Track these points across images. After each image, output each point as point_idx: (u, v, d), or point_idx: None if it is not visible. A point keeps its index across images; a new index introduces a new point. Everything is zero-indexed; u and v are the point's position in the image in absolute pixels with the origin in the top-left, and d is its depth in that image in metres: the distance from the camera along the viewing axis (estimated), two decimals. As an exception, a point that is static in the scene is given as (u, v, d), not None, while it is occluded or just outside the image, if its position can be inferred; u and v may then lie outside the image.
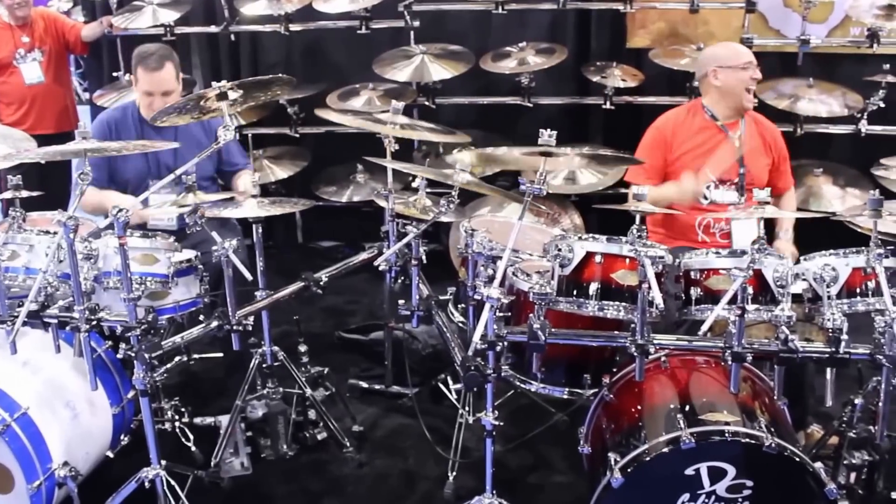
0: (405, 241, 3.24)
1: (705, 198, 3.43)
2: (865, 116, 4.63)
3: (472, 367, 2.52)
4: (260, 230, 3.20)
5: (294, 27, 5.23)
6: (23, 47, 5.26)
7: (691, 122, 3.64)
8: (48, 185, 3.81)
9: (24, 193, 3.04)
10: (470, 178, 3.11)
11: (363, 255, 3.73)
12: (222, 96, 3.07)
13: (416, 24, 5.12)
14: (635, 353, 2.56)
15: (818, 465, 2.40)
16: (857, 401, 2.79)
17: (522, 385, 2.96)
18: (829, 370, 2.55)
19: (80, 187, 2.74)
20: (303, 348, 3.59)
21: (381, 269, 3.50)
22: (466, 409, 3.40)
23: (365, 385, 3.95)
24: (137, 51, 3.83)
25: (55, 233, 2.97)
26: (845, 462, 2.74)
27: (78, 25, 5.51)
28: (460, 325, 3.32)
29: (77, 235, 2.71)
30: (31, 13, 5.29)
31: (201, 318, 3.07)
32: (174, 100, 3.74)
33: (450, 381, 3.76)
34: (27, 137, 3.74)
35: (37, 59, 5.28)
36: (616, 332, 2.67)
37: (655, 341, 2.57)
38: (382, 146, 3.37)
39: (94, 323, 2.76)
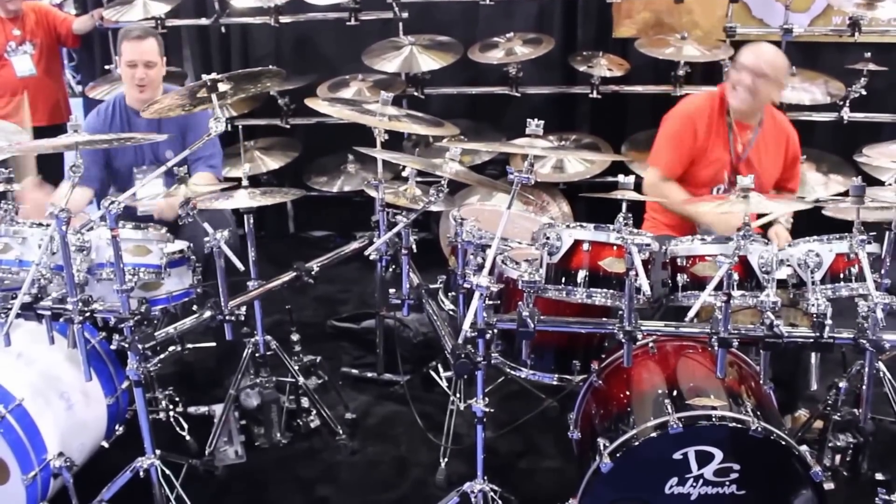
0: (395, 230, 3.21)
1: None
2: (847, 104, 4.64)
3: (463, 355, 2.51)
4: (251, 221, 3.18)
5: (284, 19, 5.20)
6: (14, 40, 5.19)
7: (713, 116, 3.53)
8: (41, 178, 3.79)
9: (17, 186, 3.01)
10: (459, 168, 3.08)
11: (354, 245, 3.72)
12: (213, 88, 3.04)
13: (405, 15, 5.10)
14: (623, 340, 2.55)
15: (803, 448, 2.40)
16: (841, 384, 2.80)
17: (512, 372, 2.94)
18: (813, 355, 2.55)
19: (71, 180, 2.71)
20: (295, 337, 3.58)
21: (371, 258, 3.47)
22: (457, 396, 3.39)
23: (357, 373, 3.94)
24: (123, 28, 3.83)
25: (48, 225, 2.94)
26: (830, 444, 2.75)
27: (69, 18, 5.45)
28: (450, 313, 3.31)
29: (69, 227, 2.69)
30: (22, 6, 5.23)
31: (194, 308, 3.05)
32: (157, 75, 3.76)
33: (441, 369, 3.74)
34: (19, 130, 3.71)
35: (28, 51, 5.22)
36: (604, 319, 2.66)
37: (643, 327, 2.55)
38: (372, 136, 3.35)
39: (88, 314, 2.74)
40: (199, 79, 3.05)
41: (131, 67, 3.72)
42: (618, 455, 2.41)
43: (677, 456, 2.39)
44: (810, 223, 3.03)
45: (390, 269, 3.56)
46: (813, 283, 2.60)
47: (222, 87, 3.07)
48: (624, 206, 2.58)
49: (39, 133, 3.88)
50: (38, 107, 5.22)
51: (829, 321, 2.46)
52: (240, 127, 5.35)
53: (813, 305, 2.47)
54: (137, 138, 3.24)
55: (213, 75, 3.04)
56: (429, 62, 4.92)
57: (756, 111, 3.51)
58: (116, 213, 2.63)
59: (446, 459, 3.21)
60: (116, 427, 3.19)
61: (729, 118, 3.51)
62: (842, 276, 2.62)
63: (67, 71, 6.24)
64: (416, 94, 5.17)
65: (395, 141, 4.73)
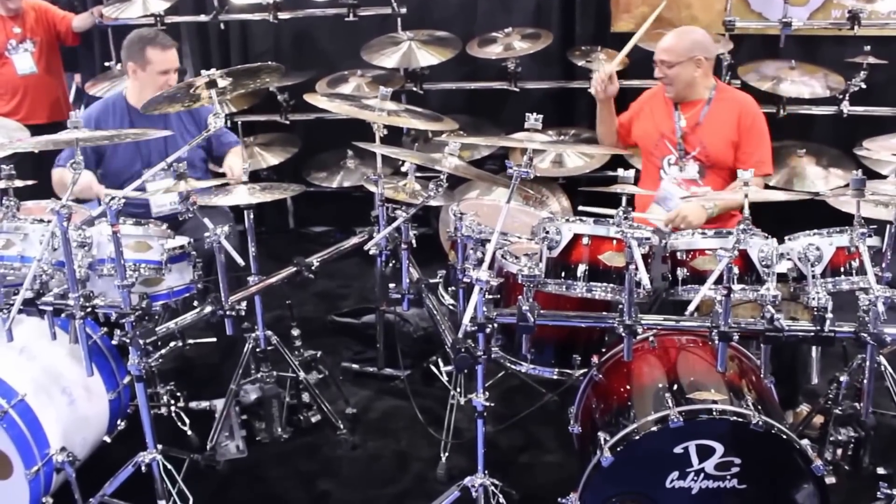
0: (395, 225, 3.20)
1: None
2: (847, 97, 4.59)
3: (463, 349, 2.49)
4: (252, 216, 3.17)
5: (283, 15, 5.18)
6: (14, 38, 5.17)
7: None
8: (42, 175, 3.76)
9: (18, 183, 3.01)
10: (458, 163, 3.07)
11: (354, 240, 3.70)
12: (212, 84, 3.04)
13: (403, 10, 5.07)
14: (623, 334, 2.53)
15: (805, 442, 2.38)
16: (842, 378, 2.77)
17: (512, 366, 2.93)
18: (814, 349, 2.53)
19: (72, 176, 2.70)
20: (296, 332, 3.57)
21: (371, 253, 3.45)
22: (458, 390, 3.38)
23: (357, 368, 3.92)
24: (137, 35, 3.79)
25: (49, 221, 2.93)
26: (831, 439, 2.73)
27: (69, 16, 5.43)
28: (450, 307, 3.29)
29: (71, 223, 2.69)
30: (22, 4, 5.21)
31: (195, 303, 3.04)
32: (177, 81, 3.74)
33: (441, 363, 3.73)
34: (20, 127, 3.71)
35: (28, 49, 5.20)
36: (604, 313, 2.65)
37: (643, 321, 2.54)
38: (372, 132, 3.33)
39: (89, 310, 2.73)
40: (199, 75, 3.04)
41: (164, 75, 3.72)
42: (618, 449, 2.39)
43: (678, 450, 2.37)
44: (811, 216, 3.00)
45: (390, 264, 3.55)
46: (813, 276, 2.58)
47: (221, 82, 3.07)
48: (624, 199, 2.57)
49: (39, 131, 3.85)
50: (39, 105, 5.22)
51: (829, 315, 2.44)
52: (239, 123, 5.37)
53: (813, 299, 2.45)
54: (151, 134, 3.19)
55: (212, 71, 3.04)
56: (427, 57, 4.89)
57: (686, 94, 3.65)
58: (117, 209, 2.62)
59: (447, 454, 3.20)
60: (118, 422, 3.18)
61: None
62: (842, 269, 2.61)
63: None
64: (414, 89, 5.15)
65: (395, 136, 4.71)
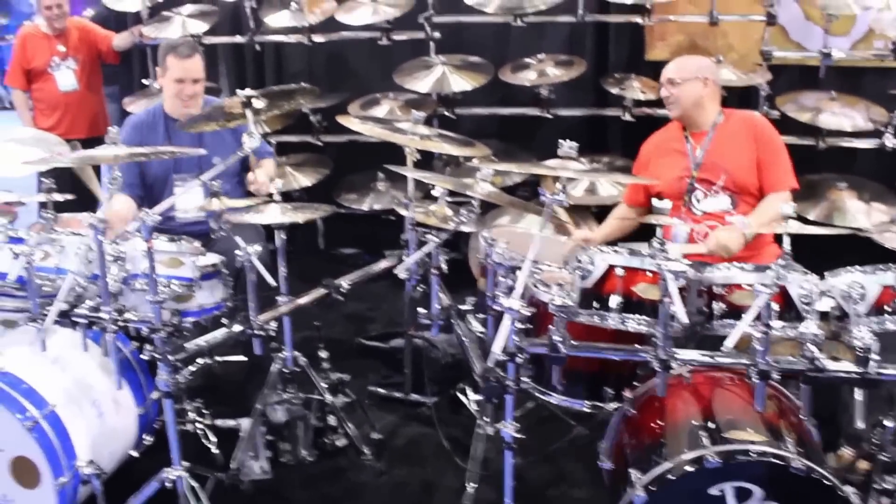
0: (425, 249, 3.16)
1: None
2: (890, 130, 4.45)
3: (492, 378, 2.43)
4: (283, 236, 3.14)
5: (317, 38, 5.21)
6: (58, 55, 5.28)
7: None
8: (80, 188, 3.77)
9: (57, 197, 3.02)
10: (490, 189, 3.02)
11: (384, 263, 3.65)
12: (247, 104, 3.03)
13: (437, 35, 5.06)
14: (657, 368, 2.45)
15: (848, 488, 2.24)
16: (888, 423, 2.63)
17: (542, 396, 2.85)
18: (858, 391, 2.42)
19: (110, 191, 2.70)
20: (323, 354, 3.52)
21: (401, 277, 3.41)
22: (486, 419, 3.29)
23: (384, 392, 3.86)
24: (165, 43, 3.83)
25: (85, 235, 2.93)
26: (877, 487, 2.59)
27: (110, 35, 5.51)
28: (480, 335, 3.23)
29: (106, 238, 2.70)
30: (67, 24, 5.31)
31: (224, 321, 3.01)
32: (201, 90, 3.76)
33: (469, 391, 3.66)
34: (60, 142, 3.74)
35: (71, 67, 5.30)
36: (638, 346, 2.56)
37: (678, 356, 2.46)
38: (403, 155, 3.29)
39: (121, 324, 2.73)
40: (234, 94, 3.03)
41: (179, 83, 3.72)
42: (652, 488, 2.29)
43: (714, 491, 2.26)
44: (850, 251, 2.91)
45: (419, 289, 3.50)
46: (857, 315, 2.47)
47: (257, 103, 3.06)
48: (659, 230, 2.50)
49: (81, 145, 3.90)
50: (79, 120, 5.33)
51: (874, 356, 2.34)
52: (273, 143, 5.35)
53: (857, 339, 2.35)
54: (187, 152, 3.19)
55: (248, 91, 3.03)
56: (460, 82, 4.87)
57: (694, 116, 3.57)
58: (152, 225, 2.59)
59: (473, 484, 3.11)
60: (145, 436, 3.15)
61: (686, 132, 3.60)
62: (889, 308, 2.49)
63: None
64: (447, 113, 5.13)
65: (426, 160, 4.67)
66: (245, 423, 3.28)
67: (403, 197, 3.46)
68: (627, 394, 2.67)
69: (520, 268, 2.56)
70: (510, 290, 2.57)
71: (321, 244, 5.93)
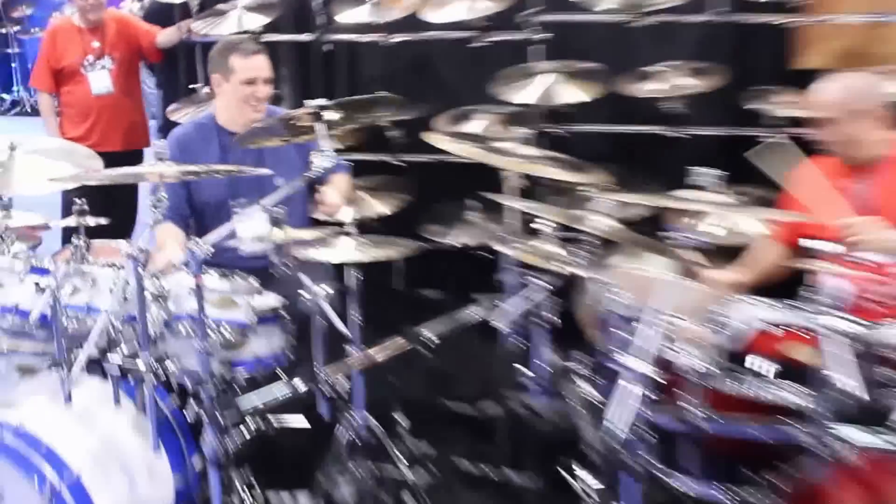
0: (527, 295, 3.18)
1: None
2: None
3: (609, 455, 2.42)
4: (358, 276, 3.19)
5: (398, 38, 5.27)
6: (92, 53, 5.45)
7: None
8: (113, 210, 3.89)
9: (90, 221, 3.11)
10: (607, 223, 3.04)
11: (475, 310, 3.68)
12: (318, 116, 3.11)
13: (543, 36, 5.10)
14: (818, 453, 2.42)
15: None
16: None
17: (669, 479, 2.82)
18: None
19: (153, 216, 2.78)
20: (400, 418, 3.55)
21: (496, 327, 3.44)
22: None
23: (473, 467, 3.87)
24: (221, 43, 3.98)
25: (122, 267, 3.01)
26: None
27: (154, 30, 5.67)
28: (591, 400, 3.22)
29: (147, 271, 2.78)
30: (103, 15, 5.48)
31: (283, 376, 3.06)
32: (268, 94, 3.88)
33: (577, 470, 3.63)
34: (92, 155, 3.84)
35: (106, 66, 5.47)
36: (793, 423, 2.53)
37: (844, 437, 2.41)
38: (500, 180, 3.33)
39: (161, 374, 2.81)
40: (298, 103, 3.10)
41: (250, 85, 3.83)
42: None
43: None
44: None
45: (518, 343, 3.51)
46: None
47: (329, 115, 3.12)
48: (811, 278, 2.48)
49: (113, 160, 3.98)
50: (113, 129, 5.49)
51: None
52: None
53: None
54: (248, 172, 3.35)
55: (320, 101, 3.10)
56: (570, 93, 4.88)
57: (857, 149, 3.50)
58: (203, 258, 2.67)
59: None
60: (183, 512, 3.20)
61: (847, 164, 3.55)
62: None
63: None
64: (554, 131, 5.16)
65: (529, 187, 4.70)
66: (304, 500, 3.33)
67: (500, 230, 3.49)
68: (778, 481, 2.63)
69: (645, 320, 2.56)
70: (631, 347, 2.57)
71: (399, 284, 5.97)
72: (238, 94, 3.86)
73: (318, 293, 2.92)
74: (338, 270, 3.35)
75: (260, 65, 3.85)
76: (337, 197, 3.71)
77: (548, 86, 4.91)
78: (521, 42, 5.15)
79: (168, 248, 3.45)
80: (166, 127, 5.61)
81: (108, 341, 2.93)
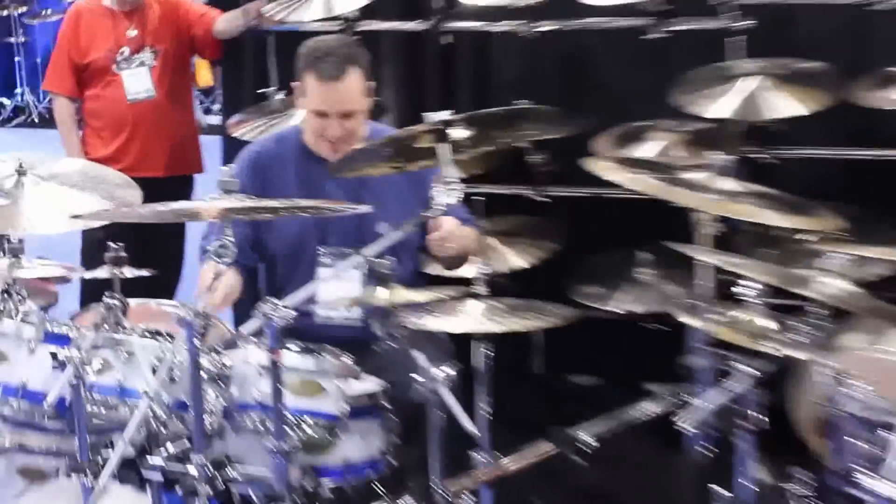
0: (723, 385, 3.16)
1: None
2: None
3: None
4: (488, 354, 3.20)
5: (544, 26, 5.30)
6: (128, 45, 5.55)
7: None
8: (153, 257, 3.97)
9: (128, 272, 3.19)
10: (843, 288, 3.01)
11: (648, 406, 3.67)
12: (441, 135, 3.13)
13: (745, 25, 5.09)
14: None
15: None
16: None
17: None
18: None
19: (213, 266, 2.83)
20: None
21: (679, 430, 3.42)
22: None
23: None
24: (308, 47, 4.00)
25: (169, 336, 3.08)
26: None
27: (211, 14, 5.74)
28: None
29: (204, 341, 2.83)
30: (143, -4, 5.55)
31: (383, 489, 3.09)
32: (357, 125, 3.91)
33: None
34: (128, 182, 3.90)
35: (147, 62, 5.57)
36: None
37: None
38: (686, 225, 3.32)
39: (219, 484, 2.86)
40: (406, 115, 3.14)
41: (320, 118, 3.89)
42: None
43: None
44: None
45: (711, 453, 3.49)
46: None
47: (456, 133, 3.16)
48: None
49: (154, 189, 4.01)
50: (155, 148, 5.58)
51: None
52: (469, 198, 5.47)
53: None
54: (340, 210, 3.37)
55: (445, 114, 3.12)
56: (782, 104, 4.86)
57: None
58: (282, 325, 2.70)
59: None
60: None
61: None
62: None
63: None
64: (761, 156, 5.14)
65: (727, 234, 4.67)
66: None
67: (686, 295, 3.49)
68: None
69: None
70: (881, 465, 2.54)
71: (539, 365, 5.96)
72: (310, 123, 3.98)
73: (435, 376, 2.92)
74: (461, 346, 3.37)
75: (336, 97, 3.87)
76: (460, 245, 3.74)
77: (752, 93, 4.89)
78: (716, 33, 5.14)
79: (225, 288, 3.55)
80: (227, 146, 5.75)
81: (148, 437, 2.98)
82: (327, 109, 3.88)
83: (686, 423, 3.38)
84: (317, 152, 3.99)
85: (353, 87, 3.90)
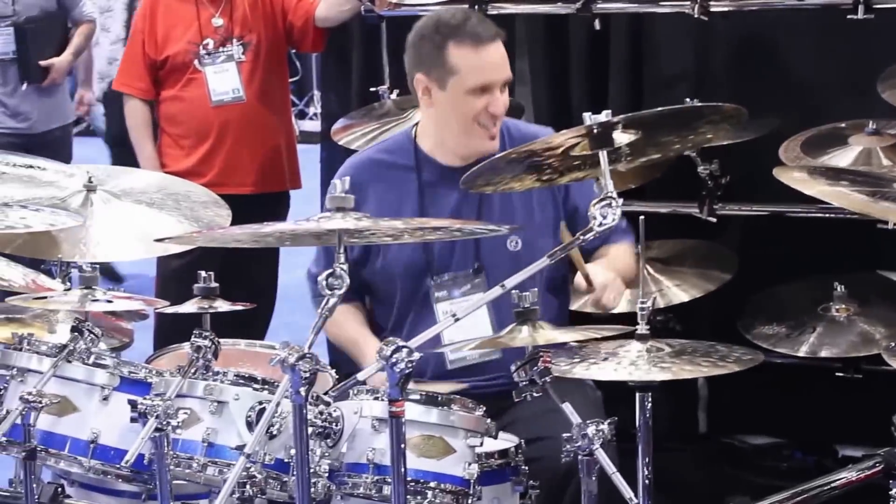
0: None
1: None
2: None
3: None
4: (648, 405, 3.21)
5: (718, 5, 5.27)
6: (213, 36, 5.66)
7: None
8: (239, 288, 4.04)
9: (222, 306, 3.28)
10: None
11: (848, 474, 3.65)
12: (603, 140, 3.12)
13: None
14: None
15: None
16: None
17: None
18: None
19: (325, 301, 2.88)
20: None
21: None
22: None
23: None
24: (432, 22, 3.96)
25: (266, 383, 3.16)
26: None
27: (311, 1, 5.75)
28: None
29: (311, 392, 2.84)
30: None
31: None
32: (506, 106, 3.89)
33: None
34: (215, 200, 4.01)
35: (235, 57, 5.66)
36: None
37: None
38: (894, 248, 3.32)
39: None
40: (546, 115, 3.16)
41: (481, 94, 3.81)
42: None
43: None
44: None
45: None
46: None
47: (620, 138, 3.17)
48: None
49: (244, 208, 4.06)
50: (244, 159, 5.66)
51: None
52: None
53: None
54: (473, 231, 3.42)
55: (605, 116, 3.10)
56: None
57: None
58: (406, 370, 2.75)
59: None
60: None
61: None
62: None
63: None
64: None
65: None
66: None
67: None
68: None
69: None
70: None
71: (705, 423, 5.92)
72: (462, 110, 3.84)
73: (588, 433, 2.93)
74: (614, 397, 3.39)
75: (499, 60, 3.86)
76: (615, 279, 3.74)
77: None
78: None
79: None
80: (328, 157, 5.82)
81: (243, 501, 3.01)
82: (493, 78, 3.82)
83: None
84: (440, 160, 3.96)
85: (504, 52, 3.91)
